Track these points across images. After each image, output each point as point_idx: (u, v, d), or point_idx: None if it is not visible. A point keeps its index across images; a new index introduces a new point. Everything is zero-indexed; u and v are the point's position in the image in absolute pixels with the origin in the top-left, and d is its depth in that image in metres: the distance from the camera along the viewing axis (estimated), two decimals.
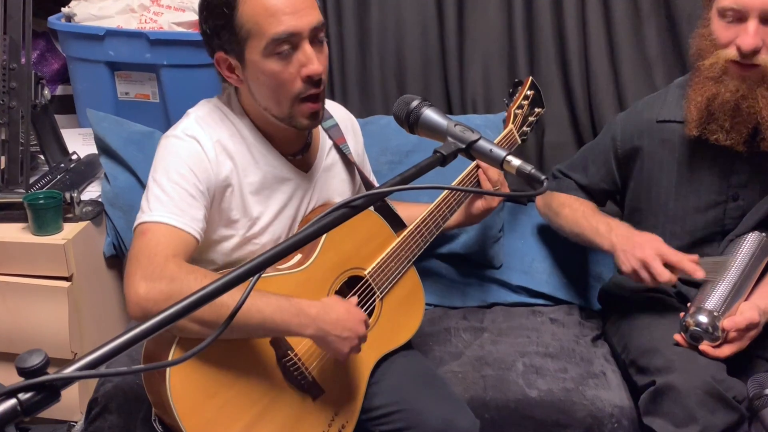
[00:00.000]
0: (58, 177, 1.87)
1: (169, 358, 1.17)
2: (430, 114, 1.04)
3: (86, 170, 1.96)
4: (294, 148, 1.40)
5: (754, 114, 1.40)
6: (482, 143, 0.99)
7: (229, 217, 1.32)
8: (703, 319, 1.39)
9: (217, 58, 1.29)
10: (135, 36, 1.95)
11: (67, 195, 1.72)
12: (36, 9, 2.25)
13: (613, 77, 1.91)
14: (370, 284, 1.43)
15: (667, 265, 1.44)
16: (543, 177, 0.95)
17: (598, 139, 1.73)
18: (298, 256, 1.39)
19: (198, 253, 1.32)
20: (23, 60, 1.75)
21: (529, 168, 0.95)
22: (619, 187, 1.69)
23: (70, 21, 2.05)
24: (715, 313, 1.39)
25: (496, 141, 1.63)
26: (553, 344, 1.72)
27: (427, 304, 1.88)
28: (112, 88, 2.05)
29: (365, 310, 1.41)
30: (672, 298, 1.62)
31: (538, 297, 1.89)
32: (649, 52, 1.87)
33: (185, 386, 1.18)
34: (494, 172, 1.55)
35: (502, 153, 0.97)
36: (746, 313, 1.39)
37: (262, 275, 1.30)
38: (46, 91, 1.82)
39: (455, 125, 1.02)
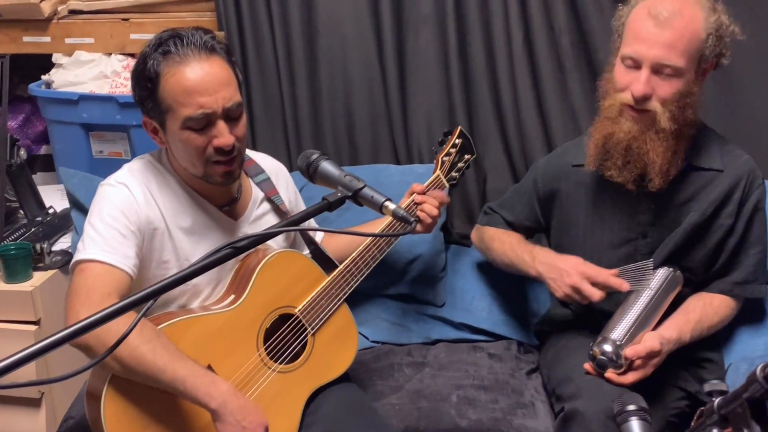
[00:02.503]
0: (33, 230, 2.03)
1: (103, 392, 1.30)
2: (326, 166, 1.20)
3: (60, 223, 2.12)
4: (221, 201, 1.52)
5: (643, 155, 1.52)
6: (365, 191, 1.14)
7: (161, 257, 1.45)
8: (607, 348, 1.50)
9: (144, 121, 1.45)
10: (106, 100, 2.14)
11: (38, 246, 1.88)
12: (24, 76, 2.47)
13: (543, 126, 2.06)
14: (301, 321, 1.55)
15: (596, 284, 1.55)
16: (412, 219, 1.09)
17: (523, 180, 1.86)
18: (231, 296, 1.51)
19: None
20: (1, 121, 1.93)
21: (402, 212, 1.10)
22: (543, 225, 1.82)
23: (49, 87, 2.25)
24: (618, 342, 1.50)
25: (425, 184, 1.77)
26: (488, 377, 1.82)
27: (374, 342, 2.00)
28: (87, 147, 2.23)
29: (297, 346, 1.53)
30: (592, 332, 1.72)
31: (480, 333, 2.00)
32: (574, 102, 2.01)
33: (119, 418, 1.30)
34: (431, 208, 1.67)
35: (381, 199, 1.12)
36: (647, 342, 1.49)
37: (193, 315, 1.44)
38: (22, 152, 2.00)
39: (345, 176, 1.17)
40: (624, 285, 1.54)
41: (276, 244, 1.62)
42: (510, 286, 2.01)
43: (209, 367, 1.39)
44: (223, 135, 1.37)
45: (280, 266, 1.54)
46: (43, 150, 2.57)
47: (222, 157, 1.40)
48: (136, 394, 1.32)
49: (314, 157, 1.21)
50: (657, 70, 1.47)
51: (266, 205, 1.62)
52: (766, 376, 0.68)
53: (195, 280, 1.45)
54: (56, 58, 2.28)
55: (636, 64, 1.49)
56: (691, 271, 1.65)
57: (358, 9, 2.08)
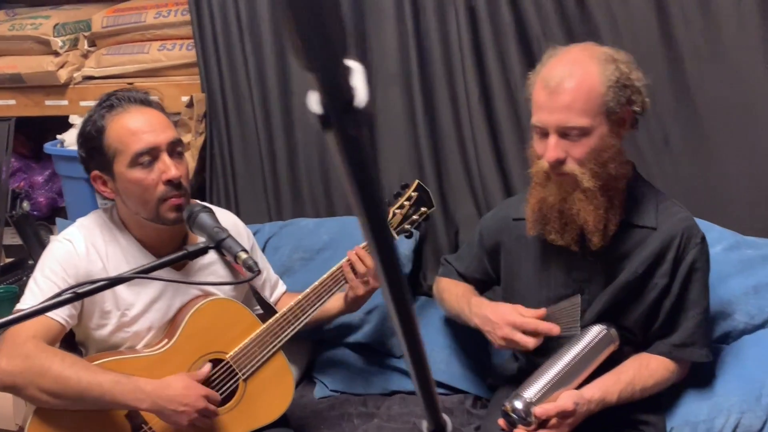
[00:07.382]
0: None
1: (26, 425, 1.42)
2: (203, 217, 1.29)
3: None
4: (167, 250, 1.59)
5: (575, 216, 1.49)
6: (226, 242, 1.22)
7: (102, 308, 1.55)
8: (517, 405, 1.46)
9: (93, 176, 1.56)
10: None
11: None
12: (51, 136, 2.73)
13: (503, 180, 2.07)
14: (231, 366, 1.61)
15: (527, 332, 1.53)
16: (257, 269, 1.15)
17: (472, 234, 1.87)
18: (164, 341, 1.60)
19: (83, 338, 1.58)
20: (3, 176, 2.16)
21: (250, 261, 1.17)
22: (494, 277, 1.81)
23: (62, 146, 2.48)
24: (528, 400, 1.46)
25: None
26: None
27: (333, 391, 2.03)
28: (93, 200, 2.42)
29: (225, 390, 1.59)
30: None
31: (438, 386, 1.98)
32: None
33: None
34: (361, 266, 1.72)
35: (237, 249, 1.20)
36: (559, 401, 1.45)
37: (121, 357, 1.53)
38: (26, 204, 2.21)
39: (214, 227, 1.26)
40: (554, 329, 1.50)
41: (222, 292, 1.70)
42: (471, 339, 1.98)
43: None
44: (170, 168, 1.48)
45: (212, 312, 1.61)
46: None
47: (174, 191, 1.50)
48: (60, 424, 1.43)
49: (196, 208, 1.31)
50: (564, 133, 1.46)
51: (213, 254, 1.68)
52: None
53: (135, 327, 1.57)
54: (72, 119, 2.52)
55: (544, 132, 1.49)
56: (629, 330, 1.59)
57: None
